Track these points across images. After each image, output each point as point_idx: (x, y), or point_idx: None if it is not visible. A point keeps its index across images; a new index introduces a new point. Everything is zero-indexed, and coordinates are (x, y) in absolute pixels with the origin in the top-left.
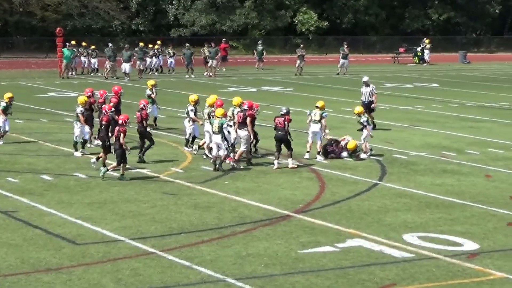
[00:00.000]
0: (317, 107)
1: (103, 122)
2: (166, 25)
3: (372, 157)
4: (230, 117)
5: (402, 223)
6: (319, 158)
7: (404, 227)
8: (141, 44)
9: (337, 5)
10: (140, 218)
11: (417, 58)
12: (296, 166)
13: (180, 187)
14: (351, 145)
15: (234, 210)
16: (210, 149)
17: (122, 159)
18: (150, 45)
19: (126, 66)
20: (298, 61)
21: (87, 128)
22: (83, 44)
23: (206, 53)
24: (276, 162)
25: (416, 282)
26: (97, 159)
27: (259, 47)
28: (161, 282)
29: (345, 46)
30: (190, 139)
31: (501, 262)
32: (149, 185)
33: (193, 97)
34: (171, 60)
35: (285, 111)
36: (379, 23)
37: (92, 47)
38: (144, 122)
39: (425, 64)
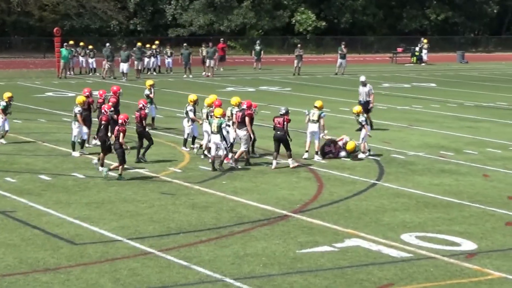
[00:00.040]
0: (315, 107)
1: (103, 122)
2: (164, 25)
3: (370, 157)
4: (228, 116)
5: (400, 223)
6: (317, 158)
7: (402, 227)
8: (139, 44)
9: (335, 5)
10: (138, 218)
11: (415, 58)
12: (296, 165)
13: (178, 187)
14: (350, 146)
15: (232, 210)
16: (208, 149)
17: (122, 158)
18: (148, 45)
19: (124, 66)
20: (296, 61)
21: (85, 128)
22: (81, 44)
23: (204, 53)
24: (274, 162)
25: (414, 282)
26: (99, 159)
27: (257, 47)
28: (159, 282)
29: (343, 46)
30: (190, 140)
31: (499, 262)
32: (147, 185)
33: (192, 97)
34: (169, 60)
35: (284, 111)
36: (377, 23)
37: (90, 47)
38: (143, 122)
39: (423, 64)
